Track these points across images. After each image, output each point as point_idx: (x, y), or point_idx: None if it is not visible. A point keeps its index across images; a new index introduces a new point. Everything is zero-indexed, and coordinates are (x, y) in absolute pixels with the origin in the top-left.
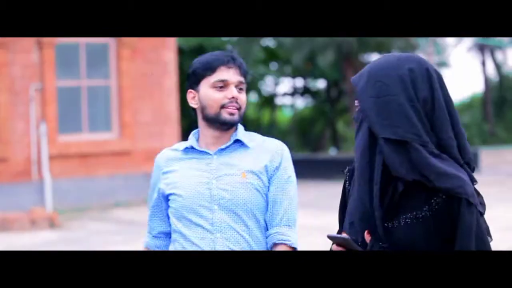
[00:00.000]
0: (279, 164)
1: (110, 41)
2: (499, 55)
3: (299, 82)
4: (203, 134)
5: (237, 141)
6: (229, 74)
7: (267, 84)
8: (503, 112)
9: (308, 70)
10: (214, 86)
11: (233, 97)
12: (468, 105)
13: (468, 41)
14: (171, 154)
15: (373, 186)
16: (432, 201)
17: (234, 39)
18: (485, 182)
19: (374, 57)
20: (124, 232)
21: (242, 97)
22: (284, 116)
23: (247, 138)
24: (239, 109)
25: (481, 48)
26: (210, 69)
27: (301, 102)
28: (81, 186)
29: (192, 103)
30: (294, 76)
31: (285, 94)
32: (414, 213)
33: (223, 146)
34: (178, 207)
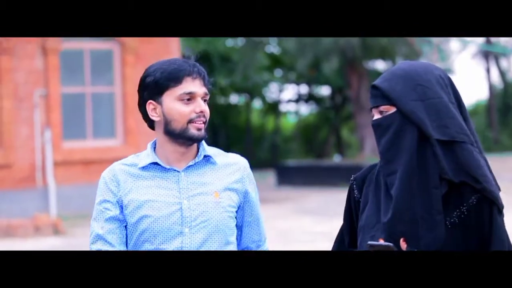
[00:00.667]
0: (249, 183)
1: (114, 48)
2: (503, 63)
3: (304, 89)
4: (165, 149)
5: (205, 156)
6: (195, 86)
7: (272, 91)
8: (507, 119)
9: (313, 76)
10: (180, 99)
11: (201, 111)
12: (473, 112)
13: (472, 48)
14: (129, 169)
15: (425, 190)
16: (462, 207)
17: (239, 45)
18: None
19: (378, 63)
20: None
21: (208, 110)
22: (289, 122)
23: (211, 153)
24: (205, 123)
25: (486, 55)
26: (175, 79)
27: (305, 109)
28: (85, 192)
29: (154, 115)
30: (298, 82)
31: (289, 100)
32: (445, 219)
33: (192, 163)
34: (144, 230)
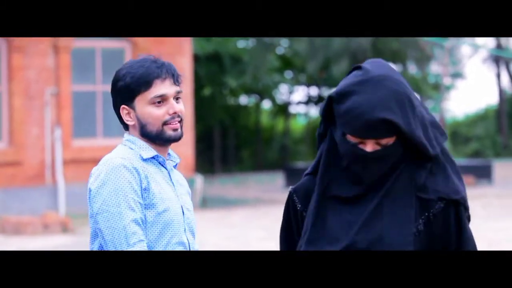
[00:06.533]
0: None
1: (126, 46)
2: None
3: (314, 91)
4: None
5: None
6: (166, 87)
7: (282, 93)
8: None
9: (323, 79)
10: (152, 103)
11: (174, 112)
12: (482, 117)
13: (483, 53)
14: (139, 160)
15: (399, 212)
16: (428, 213)
17: (250, 46)
18: (499, 194)
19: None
20: None
21: (181, 107)
22: (298, 124)
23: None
24: (180, 121)
25: (496, 60)
26: (145, 84)
27: (315, 111)
28: None
29: (128, 120)
30: (308, 84)
31: (299, 102)
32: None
33: (174, 164)
34: (161, 223)
